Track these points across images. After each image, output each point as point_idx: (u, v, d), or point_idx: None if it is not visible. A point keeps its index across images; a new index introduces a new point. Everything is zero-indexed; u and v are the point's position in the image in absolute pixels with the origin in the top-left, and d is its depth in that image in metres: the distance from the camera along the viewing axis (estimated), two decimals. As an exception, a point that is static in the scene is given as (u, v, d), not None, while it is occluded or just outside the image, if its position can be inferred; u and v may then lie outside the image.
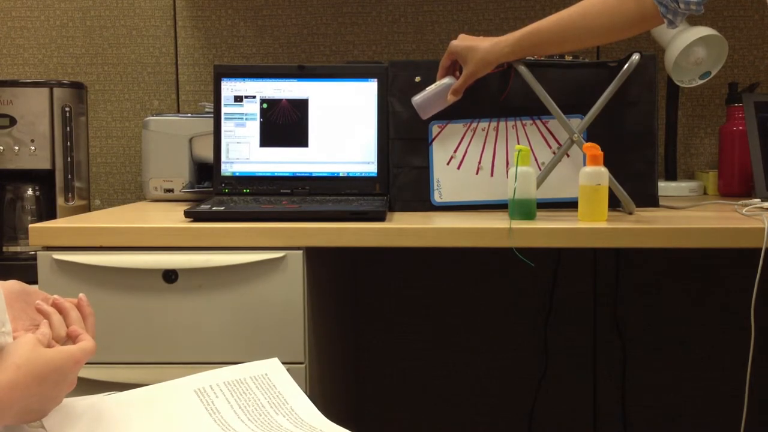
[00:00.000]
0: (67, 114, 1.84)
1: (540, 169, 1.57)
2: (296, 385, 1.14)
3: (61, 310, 1.03)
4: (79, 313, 1.04)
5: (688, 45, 1.83)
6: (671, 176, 2.01)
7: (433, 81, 1.61)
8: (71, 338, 1.01)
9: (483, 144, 1.61)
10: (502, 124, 1.61)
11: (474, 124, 1.62)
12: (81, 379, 1.00)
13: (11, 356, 0.92)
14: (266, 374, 1.14)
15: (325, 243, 1.38)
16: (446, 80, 1.58)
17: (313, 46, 2.14)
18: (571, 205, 1.54)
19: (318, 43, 2.14)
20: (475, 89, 1.58)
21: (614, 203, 1.51)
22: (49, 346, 0.97)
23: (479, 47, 1.52)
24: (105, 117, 2.19)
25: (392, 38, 2.13)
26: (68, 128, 1.84)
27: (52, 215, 1.84)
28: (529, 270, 2.08)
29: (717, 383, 2.12)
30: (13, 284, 1.05)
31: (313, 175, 1.67)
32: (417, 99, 1.59)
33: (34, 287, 1.10)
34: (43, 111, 1.82)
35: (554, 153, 1.59)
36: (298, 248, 1.37)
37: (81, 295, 1.07)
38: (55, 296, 1.05)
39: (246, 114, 1.68)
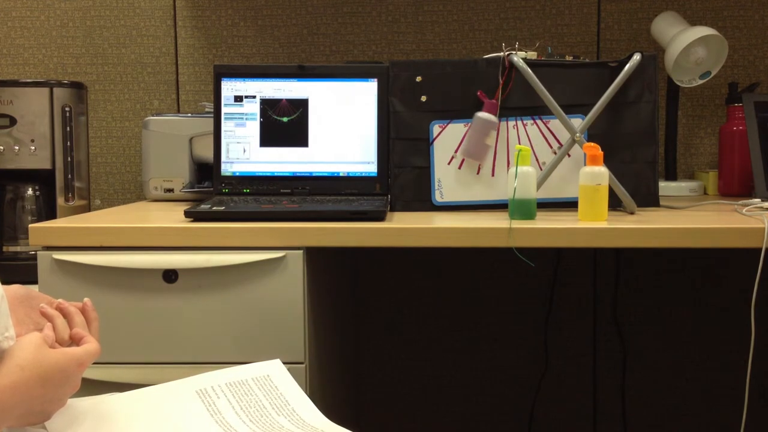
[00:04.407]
0: (67, 114, 1.84)
1: (541, 169, 1.57)
2: (298, 386, 1.14)
3: (65, 315, 1.02)
4: (84, 318, 1.04)
5: (688, 45, 1.83)
6: (671, 176, 2.01)
7: (433, 81, 1.61)
8: (75, 341, 1.01)
9: (483, 144, 1.61)
10: (502, 123, 1.61)
11: (474, 124, 1.62)
12: (82, 379, 1.00)
13: (15, 357, 0.91)
14: (268, 375, 1.15)
15: (325, 243, 1.38)
16: (479, 115, 1.58)
17: (313, 46, 2.14)
18: (571, 205, 1.54)
19: (318, 43, 2.14)
20: (475, 89, 1.59)
21: (615, 203, 1.51)
22: (52, 347, 0.96)
23: None
24: (105, 117, 2.19)
25: (392, 38, 2.13)
26: (68, 128, 1.84)
27: (52, 215, 1.84)
28: (529, 270, 2.09)
29: (717, 383, 2.12)
30: (18, 288, 1.04)
31: (313, 175, 1.67)
32: (464, 148, 1.59)
33: (38, 292, 1.09)
34: (43, 111, 1.82)
35: (555, 153, 1.59)
36: (298, 248, 1.37)
37: (86, 299, 1.06)
38: (60, 300, 1.04)
39: (246, 114, 1.68)
